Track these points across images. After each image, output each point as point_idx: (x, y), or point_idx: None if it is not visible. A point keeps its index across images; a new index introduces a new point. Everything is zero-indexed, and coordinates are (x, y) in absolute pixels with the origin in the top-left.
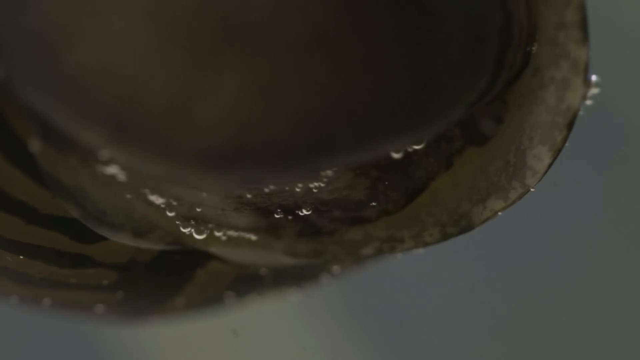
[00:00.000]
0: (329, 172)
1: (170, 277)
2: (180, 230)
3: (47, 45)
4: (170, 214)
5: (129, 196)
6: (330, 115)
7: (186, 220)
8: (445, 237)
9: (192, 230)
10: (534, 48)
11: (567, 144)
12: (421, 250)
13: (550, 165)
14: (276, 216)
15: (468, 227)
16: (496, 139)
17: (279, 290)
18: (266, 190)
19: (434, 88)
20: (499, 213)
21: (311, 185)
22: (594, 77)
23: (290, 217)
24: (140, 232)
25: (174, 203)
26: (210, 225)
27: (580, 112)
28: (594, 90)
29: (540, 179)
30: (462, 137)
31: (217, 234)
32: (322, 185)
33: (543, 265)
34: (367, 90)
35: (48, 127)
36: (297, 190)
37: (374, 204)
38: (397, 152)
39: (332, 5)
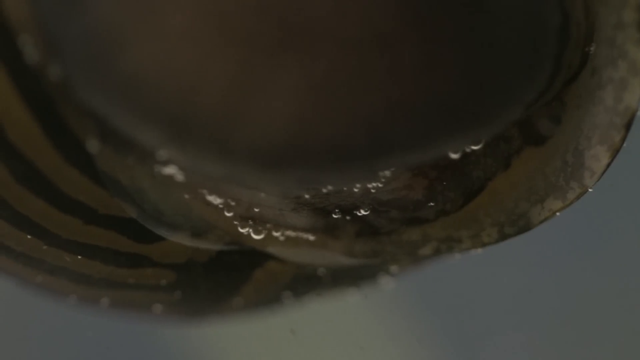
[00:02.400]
0: (387, 173)
1: (228, 277)
2: (238, 230)
3: (104, 45)
4: (228, 214)
5: (187, 196)
6: (388, 115)
7: (244, 220)
8: (503, 237)
9: (250, 230)
10: (592, 48)
11: (624, 144)
12: (479, 251)
13: (608, 166)
14: (334, 216)
15: (526, 228)
16: (554, 139)
17: (337, 290)
18: (324, 190)
19: (492, 88)
20: (557, 213)
21: (369, 186)
22: None
23: (348, 217)
24: (198, 232)
25: (232, 203)
26: (268, 226)
27: (638, 113)
28: None
29: (598, 179)
30: (520, 138)
31: (275, 234)
32: (380, 185)
33: (601, 265)
34: (425, 90)
35: (106, 127)
36: (355, 190)
37: (431, 204)
38: (455, 152)
39: (391, 6)
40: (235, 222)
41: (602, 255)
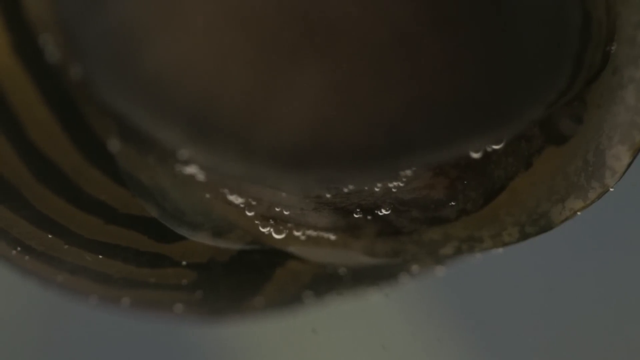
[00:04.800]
0: (408, 172)
1: (249, 277)
2: (259, 229)
3: (125, 44)
4: (249, 214)
5: (208, 196)
6: (409, 115)
7: (265, 219)
8: (524, 236)
9: (271, 229)
10: (613, 48)
11: None
12: (500, 250)
13: (629, 165)
14: (355, 216)
15: (547, 227)
16: (575, 139)
17: (358, 289)
18: (345, 190)
19: (513, 88)
20: (578, 213)
21: (390, 185)
22: None
23: (369, 217)
24: (219, 231)
25: (253, 203)
26: (289, 225)
27: None
28: None
29: (620, 179)
30: (542, 137)
31: (296, 233)
32: (401, 184)
33: (622, 264)
34: (447, 90)
35: (127, 126)
36: (376, 190)
37: (453, 203)
38: (476, 151)
39: (413, 5)
40: (257, 222)
41: (624, 255)
